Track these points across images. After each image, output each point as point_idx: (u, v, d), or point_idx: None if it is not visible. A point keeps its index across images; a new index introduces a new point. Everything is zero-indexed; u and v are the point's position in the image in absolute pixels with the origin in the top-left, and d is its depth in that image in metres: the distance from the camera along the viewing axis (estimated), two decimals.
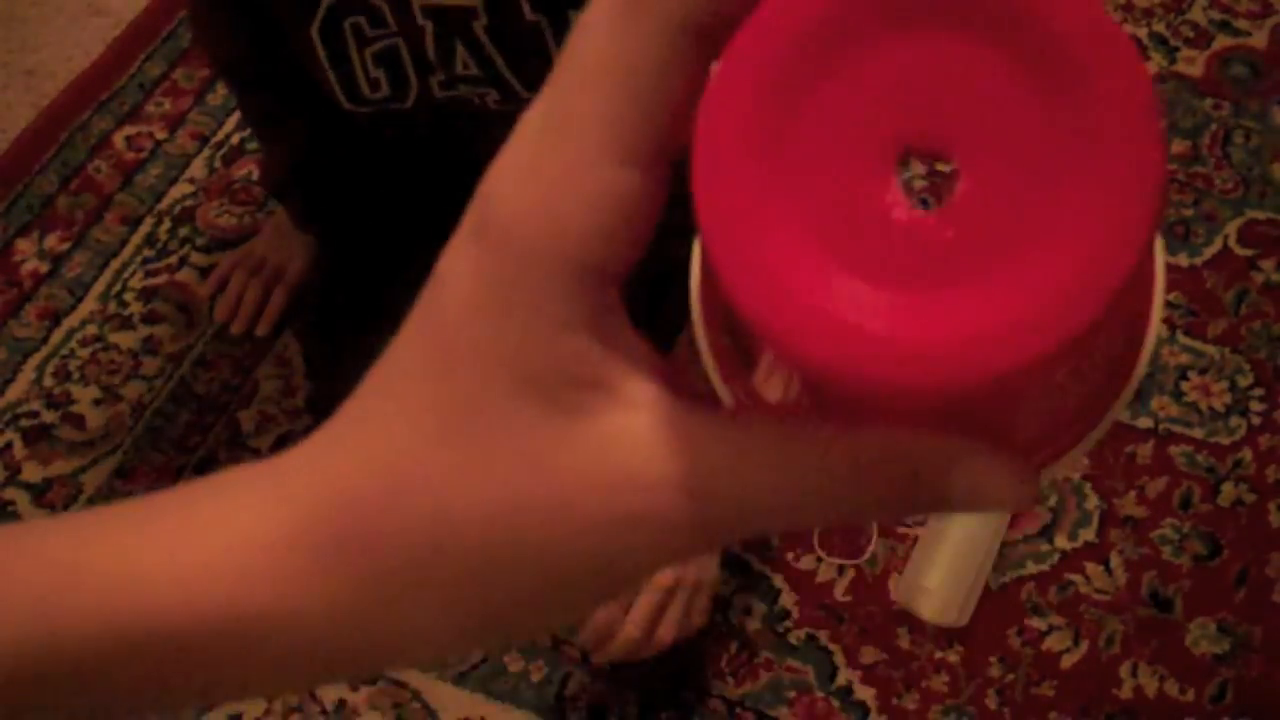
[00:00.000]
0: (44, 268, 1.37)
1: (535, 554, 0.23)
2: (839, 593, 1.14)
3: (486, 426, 0.23)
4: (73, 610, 0.25)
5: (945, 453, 0.22)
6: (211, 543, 0.24)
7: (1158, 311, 0.24)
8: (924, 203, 0.21)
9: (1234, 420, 1.26)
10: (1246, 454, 1.23)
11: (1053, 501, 1.20)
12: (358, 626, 0.24)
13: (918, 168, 0.19)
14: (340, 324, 1.11)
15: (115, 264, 1.37)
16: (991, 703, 1.08)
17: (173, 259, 1.38)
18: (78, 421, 1.26)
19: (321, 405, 1.18)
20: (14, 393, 1.28)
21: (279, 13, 0.92)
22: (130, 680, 0.25)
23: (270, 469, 0.25)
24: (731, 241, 0.21)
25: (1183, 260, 1.38)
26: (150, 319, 1.33)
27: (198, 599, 0.24)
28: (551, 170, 0.22)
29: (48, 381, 1.29)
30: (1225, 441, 1.24)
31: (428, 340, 0.24)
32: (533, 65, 0.88)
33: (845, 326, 0.20)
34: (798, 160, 0.21)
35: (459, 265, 0.23)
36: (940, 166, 0.20)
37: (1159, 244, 0.24)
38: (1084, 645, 1.12)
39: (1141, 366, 0.24)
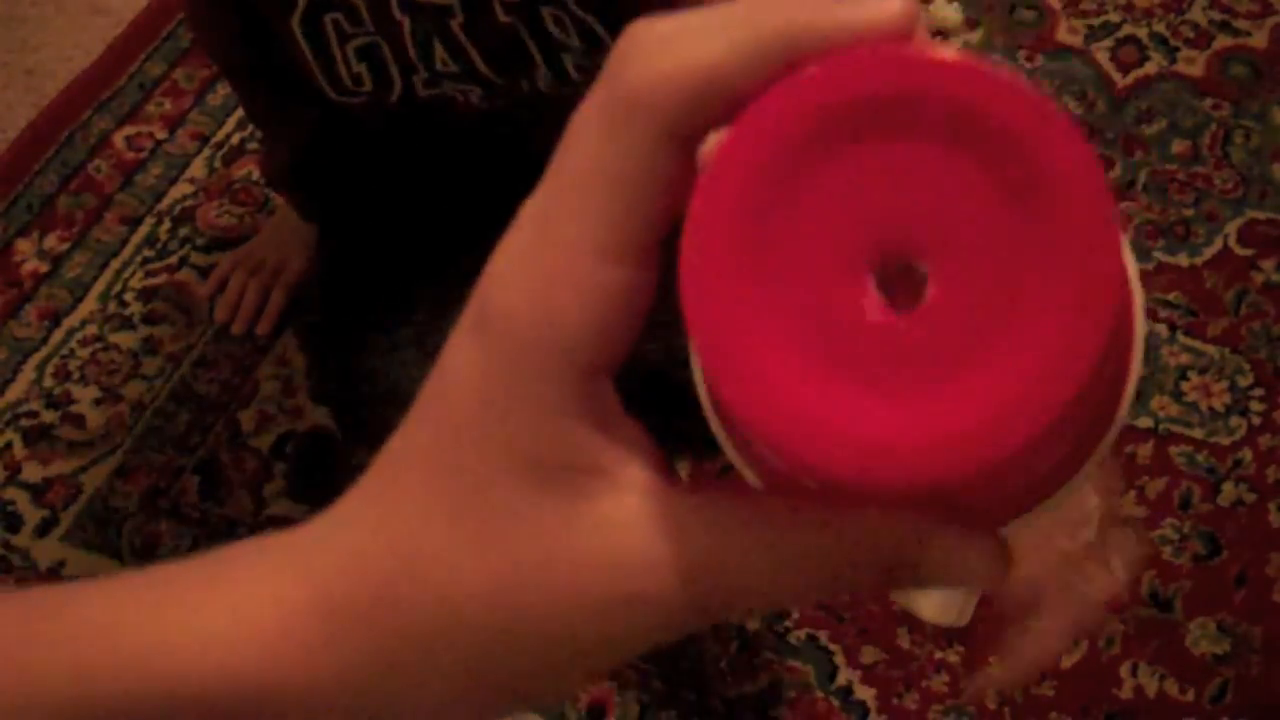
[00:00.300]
0: (44, 268, 1.37)
1: (537, 630, 0.25)
2: None
3: (491, 509, 0.24)
4: (107, 673, 0.26)
5: (920, 536, 0.24)
6: (239, 612, 0.26)
7: (1134, 375, 0.25)
8: (898, 307, 0.22)
9: (1234, 420, 1.26)
10: (1246, 454, 1.23)
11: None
12: (373, 695, 0.26)
13: (892, 272, 0.20)
14: (342, 316, 1.11)
15: (115, 264, 1.37)
16: (991, 703, 1.08)
17: (173, 259, 1.38)
18: (78, 421, 1.26)
19: (324, 398, 1.17)
20: (14, 393, 1.28)
21: (262, 7, 0.92)
22: None
23: (290, 541, 0.27)
24: (717, 348, 0.22)
25: (1183, 260, 1.38)
26: (150, 319, 1.33)
27: (226, 666, 0.26)
28: (545, 267, 0.24)
29: (48, 381, 1.29)
30: (1225, 441, 1.24)
31: (435, 427, 0.25)
32: (511, 63, 0.88)
33: (813, 423, 0.22)
34: (778, 268, 0.22)
35: (461, 356, 0.25)
36: (914, 269, 0.22)
37: (1138, 302, 0.24)
38: (1084, 645, 1.12)
39: (1117, 427, 0.25)
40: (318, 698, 0.26)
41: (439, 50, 0.88)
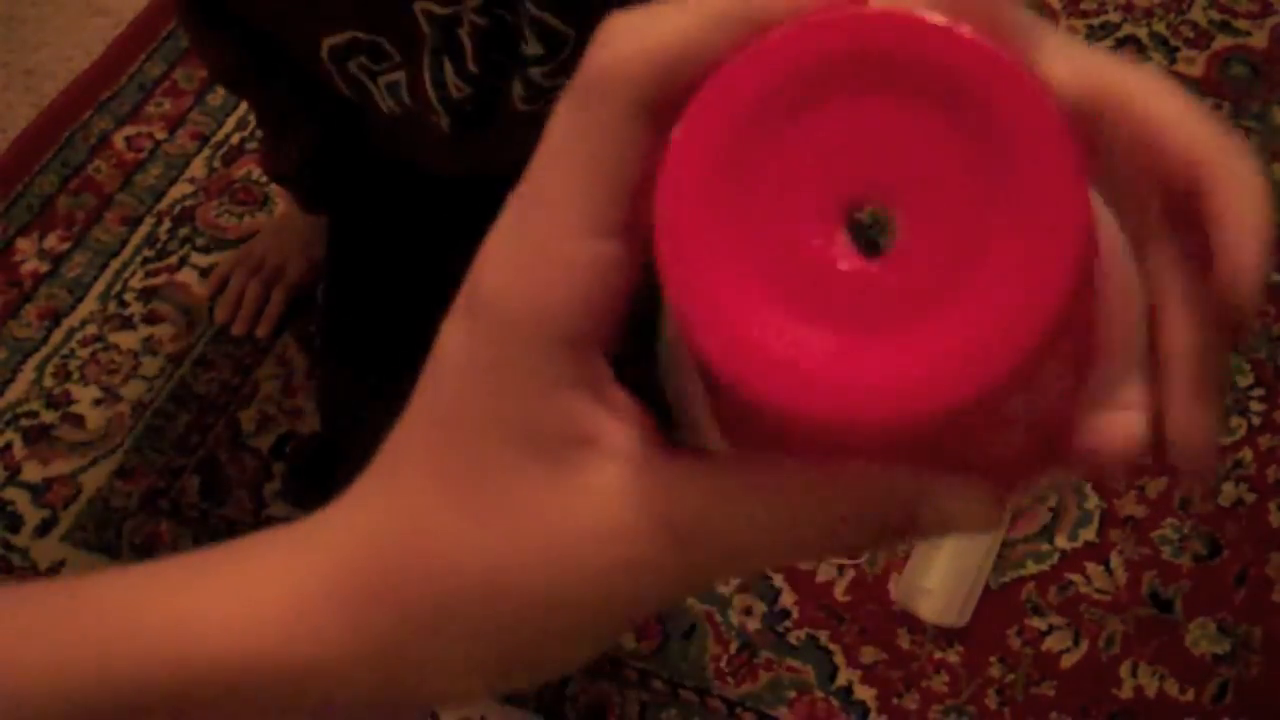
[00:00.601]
0: (44, 268, 1.37)
1: (539, 600, 0.26)
2: (839, 593, 1.14)
3: (491, 485, 0.26)
4: (129, 653, 0.27)
5: (911, 483, 0.24)
6: (258, 594, 0.27)
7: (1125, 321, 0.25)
8: (868, 253, 0.23)
9: (1234, 420, 1.25)
10: (1246, 454, 1.23)
11: (1053, 501, 1.20)
12: (387, 670, 0.27)
13: (863, 220, 0.20)
14: (350, 313, 1.11)
15: (115, 264, 1.37)
16: (991, 703, 1.08)
17: (173, 259, 1.38)
18: (78, 421, 1.26)
19: (329, 399, 1.17)
20: (14, 393, 1.28)
21: (289, 48, 0.93)
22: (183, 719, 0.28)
23: (303, 528, 0.28)
24: (692, 295, 0.23)
25: None
26: (150, 319, 1.33)
27: (244, 646, 0.27)
28: (530, 246, 0.25)
29: (48, 381, 1.29)
30: (1225, 441, 1.24)
31: (432, 409, 0.27)
32: (497, 72, 0.89)
33: (791, 367, 0.22)
34: (752, 218, 0.23)
35: (454, 340, 0.26)
36: (882, 219, 0.23)
37: (1119, 245, 0.25)
38: (1084, 645, 1.12)
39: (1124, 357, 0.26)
40: (334, 675, 0.27)
41: (449, 71, 0.88)
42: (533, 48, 0.88)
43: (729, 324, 0.23)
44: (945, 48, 0.22)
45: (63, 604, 0.29)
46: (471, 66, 0.88)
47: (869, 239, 0.23)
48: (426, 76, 0.88)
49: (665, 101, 0.24)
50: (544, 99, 0.92)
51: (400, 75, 0.89)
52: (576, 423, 0.25)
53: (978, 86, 0.22)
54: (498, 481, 0.25)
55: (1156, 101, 0.27)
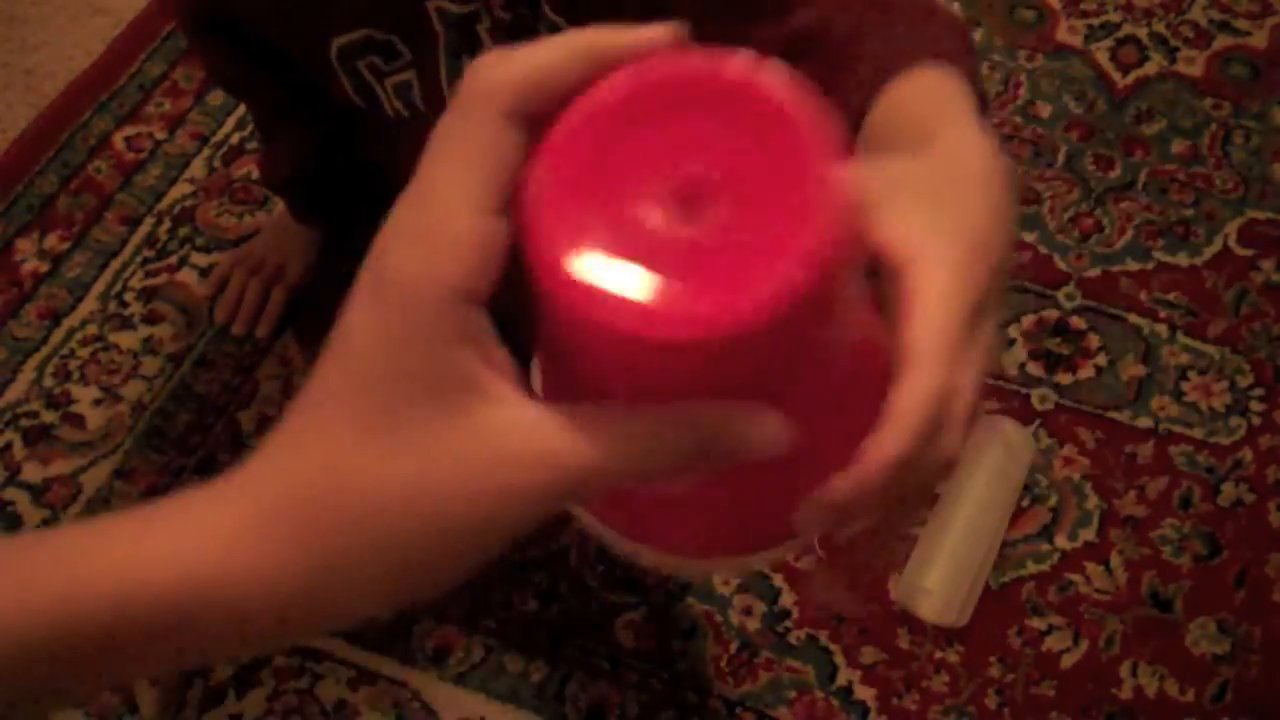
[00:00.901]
0: (44, 268, 1.37)
1: (435, 523, 0.32)
2: None
3: (398, 425, 0.31)
4: (91, 587, 0.32)
5: (719, 411, 0.32)
6: (195, 538, 0.32)
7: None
8: (685, 227, 0.31)
9: (1234, 420, 1.26)
10: (1246, 454, 1.23)
11: (1053, 501, 1.20)
12: (313, 591, 0.32)
13: (692, 202, 0.26)
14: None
15: (115, 264, 1.37)
16: (991, 703, 1.08)
17: (172, 259, 1.38)
18: (78, 421, 1.26)
19: None
20: (14, 393, 1.28)
21: (292, 51, 0.92)
22: (138, 649, 0.33)
23: (235, 478, 0.33)
24: (544, 244, 0.31)
25: (1183, 260, 1.38)
26: (150, 319, 1.33)
27: (189, 576, 0.32)
28: (423, 227, 0.32)
29: (48, 381, 1.28)
30: (1225, 441, 1.24)
31: (342, 369, 0.33)
32: None
33: (615, 297, 0.30)
34: (600, 196, 0.31)
35: (359, 313, 0.32)
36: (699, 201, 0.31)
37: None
38: (1084, 645, 1.12)
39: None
40: (267, 597, 0.32)
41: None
42: None
43: (566, 265, 0.31)
44: (734, 75, 0.32)
45: (26, 548, 0.34)
46: None
47: (688, 217, 0.31)
48: (443, 75, 0.88)
49: (529, 116, 0.32)
50: None
51: (411, 75, 0.89)
52: (467, 373, 0.31)
53: (756, 101, 0.32)
54: (404, 422, 0.31)
55: (927, 299, 0.37)
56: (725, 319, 0.30)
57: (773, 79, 0.32)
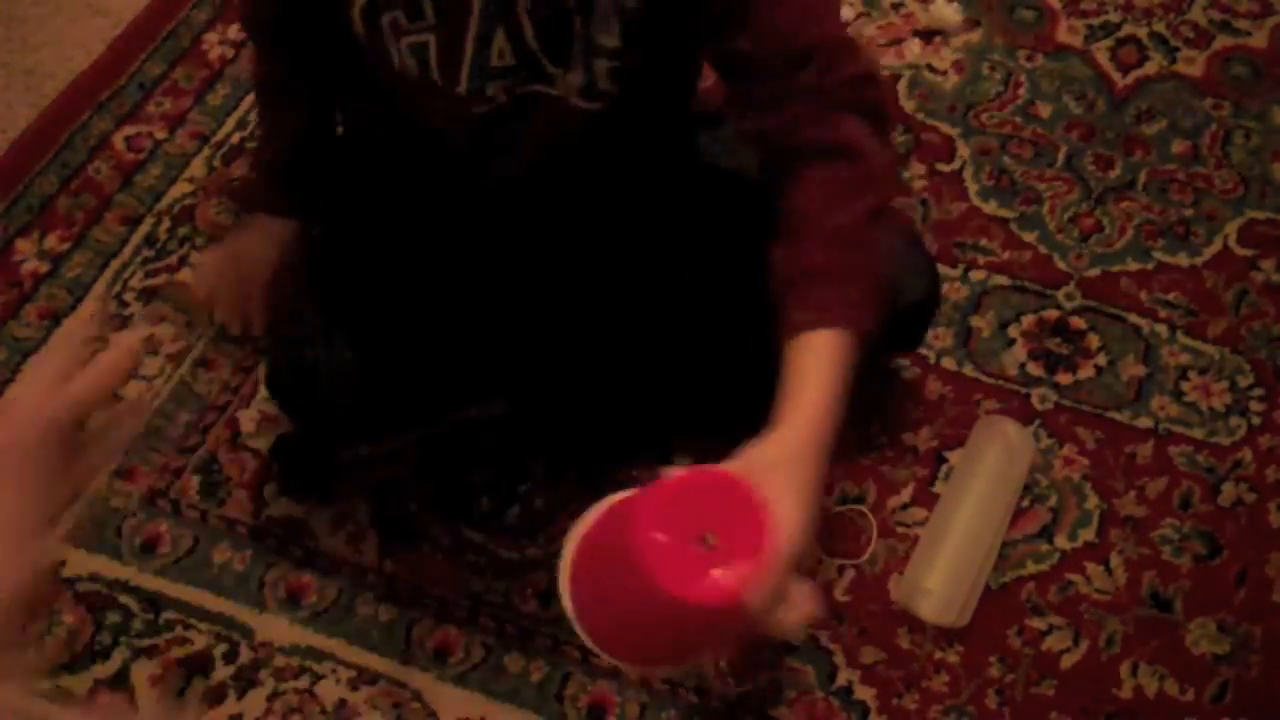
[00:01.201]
0: (44, 268, 1.37)
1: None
2: (839, 593, 1.14)
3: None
4: None
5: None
6: None
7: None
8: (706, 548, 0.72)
9: (1234, 420, 1.26)
10: (1246, 454, 1.23)
11: (1053, 501, 1.20)
12: None
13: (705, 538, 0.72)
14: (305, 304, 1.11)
15: (115, 264, 1.37)
16: (991, 703, 1.08)
17: (172, 259, 1.38)
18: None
19: (275, 389, 1.16)
20: (14, 393, 1.28)
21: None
22: None
23: None
24: (646, 555, 0.72)
25: (1183, 260, 1.38)
26: (150, 319, 1.33)
27: None
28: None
29: None
30: (1225, 441, 1.24)
31: None
32: (556, 54, 0.90)
33: (681, 582, 0.71)
34: (669, 538, 0.72)
35: None
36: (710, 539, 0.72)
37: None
38: (1084, 645, 1.12)
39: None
40: None
41: (499, 39, 0.88)
42: (609, 38, 0.88)
43: (652, 563, 0.71)
44: (730, 488, 0.74)
45: None
46: (531, 42, 0.88)
47: (707, 544, 0.72)
48: (469, 38, 0.88)
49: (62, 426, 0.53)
50: (591, 95, 0.92)
51: (430, 38, 0.88)
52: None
53: (736, 499, 0.73)
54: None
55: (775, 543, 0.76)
56: (716, 594, 0.71)
57: (746, 487, 0.74)
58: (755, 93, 0.90)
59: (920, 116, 1.51)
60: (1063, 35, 1.61)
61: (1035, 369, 1.29)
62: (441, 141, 1.02)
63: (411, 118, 1.00)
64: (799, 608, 0.76)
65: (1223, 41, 1.60)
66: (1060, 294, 1.35)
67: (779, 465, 0.78)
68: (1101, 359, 1.30)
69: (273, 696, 1.08)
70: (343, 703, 1.08)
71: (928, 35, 1.60)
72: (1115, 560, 1.16)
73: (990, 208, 1.42)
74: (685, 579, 0.70)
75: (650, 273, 1.10)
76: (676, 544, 0.71)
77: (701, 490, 0.73)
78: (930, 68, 1.57)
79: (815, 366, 0.84)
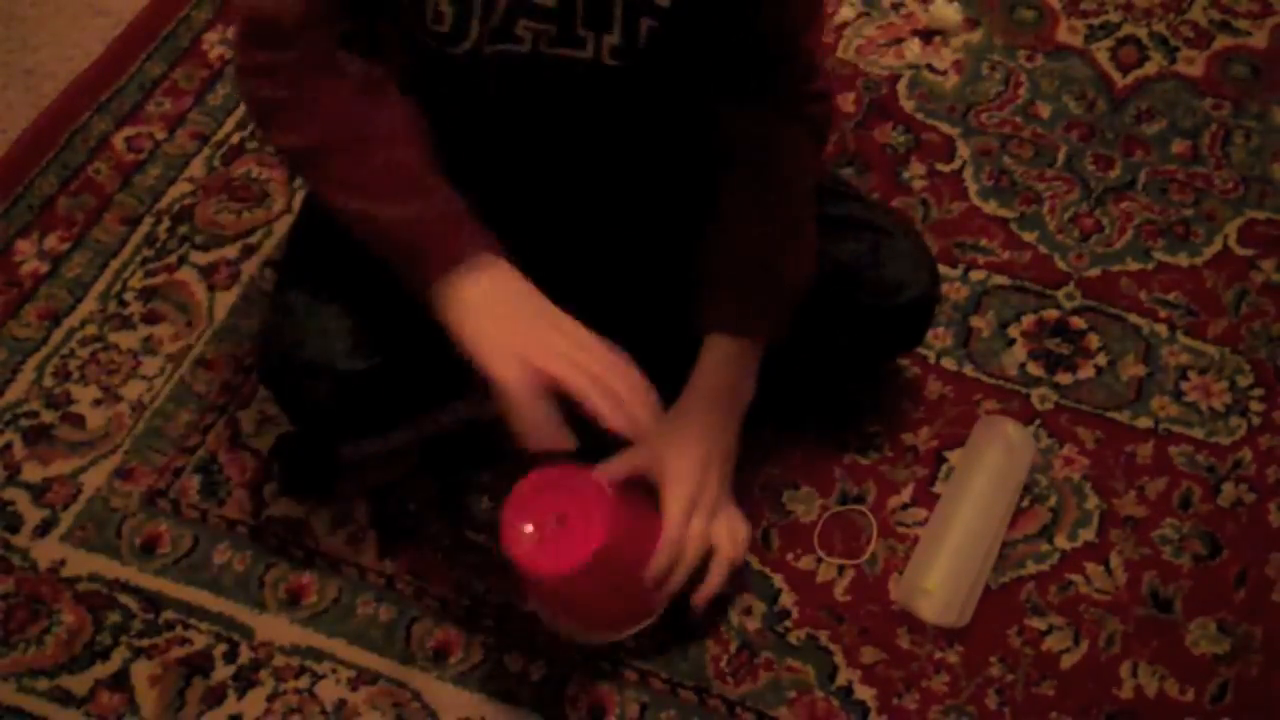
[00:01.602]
0: (44, 268, 1.37)
1: None
2: (839, 593, 1.14)
3: None
4: None
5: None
6: None
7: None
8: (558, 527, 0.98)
9: (1234, 420, 1.26)
10: (1246, 454, 1.23)
11: (1053, 501, 1.20)
12: None
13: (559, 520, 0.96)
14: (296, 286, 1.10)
15: (115, 264, 1.37)
16: (991, 703, 1.08)
17: (172, 258, 1.38)
18: (77, 421, 1.26)
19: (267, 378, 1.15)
20: (14, 393, 1.28)
21: None
22: None
23: None
24: (506, 536, 0.98)
25: (1183, 260, 1.38)
26: (150, 319, 1.33)
27: None
28: None
29: (48, 381, 1.28)
30: (1225, 441, 1.24)
31: None
32: (594, 9, 0.92)
33: (528, 556, 0.97)
34: (524, 517, 0.98)
35: None
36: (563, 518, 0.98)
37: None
38: (1084, 645, 1.12)
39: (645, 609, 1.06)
40: None
41: None
42: None
43: (513, 542, 0.97)
44: (580, 477, 0.99)
45: None
46: None
47: (561, 524, 0.96)
48: None
49: None
50: (628, 57, 0.94)
51: None
52: None
53: (588, 492, 0.98)
54: None
55: (667, 501, 1.01)
56: (566, 564, 0.95)
57: (591, 475, 0.98)
58: (727, 78, 0.93)
59: (920, 116, 1.51)
60: (1063, 35, 1.61)
61: (1035, 369, 1.29)
62: (449, 116, 1.01)
63: (424, 91, 0.99)
64: (722, 550, 0.97)
65: (1223, 41, 1.60)
66: (1060, 294, 1.35)
67: (673, 436, 1.00)
68: (1101, 359, 1.30)
69: (273, 697, 1.08)
70: (343, 702, 1.08)
71: (928, 35, 1.60)
72: (1115, 560, 1.16)
73: (990, 208, 1.42)
74: (538, 554, 0.95)
75: (660, 250, 1.09)
76: (536, 527, 0.96)
77: (555, 482, 0.97)
78: (930, 68, 1.57)
79: (712, 363, 1.02)
